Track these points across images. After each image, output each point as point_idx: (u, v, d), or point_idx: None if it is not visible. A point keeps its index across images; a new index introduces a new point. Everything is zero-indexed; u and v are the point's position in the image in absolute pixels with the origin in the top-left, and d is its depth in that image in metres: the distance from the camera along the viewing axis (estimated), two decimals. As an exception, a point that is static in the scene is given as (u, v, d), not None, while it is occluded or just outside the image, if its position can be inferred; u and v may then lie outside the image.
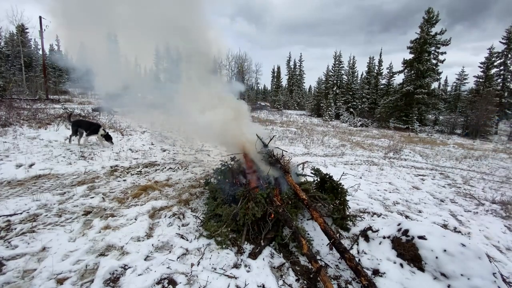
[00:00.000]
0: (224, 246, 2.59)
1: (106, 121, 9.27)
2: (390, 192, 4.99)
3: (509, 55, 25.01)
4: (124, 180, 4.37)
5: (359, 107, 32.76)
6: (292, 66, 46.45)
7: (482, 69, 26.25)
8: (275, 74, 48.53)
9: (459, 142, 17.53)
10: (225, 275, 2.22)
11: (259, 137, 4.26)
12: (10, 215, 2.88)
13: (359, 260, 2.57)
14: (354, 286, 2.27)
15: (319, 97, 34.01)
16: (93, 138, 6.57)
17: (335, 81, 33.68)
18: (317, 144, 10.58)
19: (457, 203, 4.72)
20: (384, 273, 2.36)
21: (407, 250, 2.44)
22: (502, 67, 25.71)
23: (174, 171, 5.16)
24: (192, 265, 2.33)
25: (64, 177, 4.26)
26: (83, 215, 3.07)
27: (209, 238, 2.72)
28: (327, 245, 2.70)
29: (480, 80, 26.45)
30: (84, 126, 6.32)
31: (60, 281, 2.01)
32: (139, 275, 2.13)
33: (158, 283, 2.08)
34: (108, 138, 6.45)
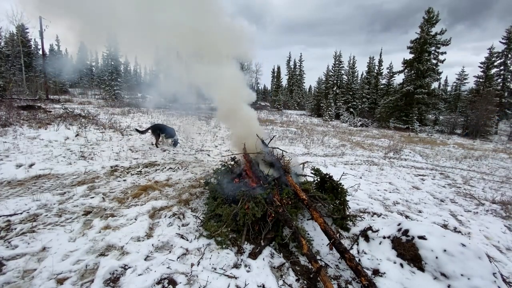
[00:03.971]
0: (224, 246, 2.59)
1: (106, 121, 9.27)
2: (390, 192, 4.99)
3: (509, 55, 25.00)
4: (124, 180, 4.37)
5: (359, 107, 32.76)
6: (292, 66, 46.48)
7: (482, 69, 26.25)
8: (275, 74, 48.54)
9: (459, 142, 17.52)
10: (225, 275, 2.22)
11: (259, 137, 4.26)
12: (10, 215, 2.88)
13: (359, 260, 2.57)
14: (354, 286, 2.27)
15: (319, 97, 34.00)
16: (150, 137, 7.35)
17: (335, 81, 33.67)
18: (317, 144, 10.58)
19: (457, 203, 4.72)
20: (384, 273, 2.36)
21: (407, 250, 2.44)
22: (502, 67, 25.70)
23: (174, 171, 5.16)
24: (192, 265, 2.33)
25: (64, 177, 4.26)
26: (83, 215, 3.07)
27: (209, 238, 2.72)
28: (327, 245, 2.70)
29: (480, 80, 26.45)
30: (162, 130, 7.09)
31: (60, 281, 2.01)
32: (139, 275, 2.13)
33: (158, 283, 2.08)
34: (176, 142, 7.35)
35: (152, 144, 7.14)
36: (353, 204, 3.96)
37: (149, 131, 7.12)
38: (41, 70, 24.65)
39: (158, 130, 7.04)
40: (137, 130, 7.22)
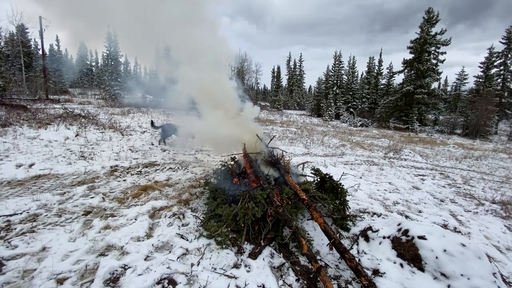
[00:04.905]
0: (224, 246, 2.59)
1: (106, 121, 9.27)
2: (390, 192, 4.99)
3: (509, 55, 24.98)
4: (124, 180, 4.37)
5: (359, 107, 32.76)
6: (292, 66, 46.44)
7: (482, 69, 26.24)
8: (275, 74, 48.50)
9: (459, 142, 17.52)
10: (225, 275, 2.22)
11: (259, 137, 4.26)
12: (10, 215, 2.88)
13: (359, 260, 2.57)
14: (354, 286, 2.27)
15: (319, 97, 33.99)
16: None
17: (335, 81, 33.65)
18: (317, 144, 10.58)
19: (457, 203, 4.72)
20: (384, 273, 2.36)
21: (407, 250, 2.44)
22: (502, 67, 25.68)
23: (174, 171, 5.16)
24: (192, 265, 2.33)
25: (64, 177, 4.26)
26: (83, 215, 3.07)
27: (209, 238, 2.72)
28: (327, 245, 2.70)
29: (480, 80, 26.44)
30: (173, 130, 7.40)
31: (60, 281, 2.01)
32: (139, 275, 2.13)
33: (158, 283, 2.08)
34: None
35: (152, 144, 7.14)
36: (353, 204, 3.96)
37: (160, 129, 7.46)
38: (41, 70, 24.63)
39: (169, 130, 7.30)
40: (152, 122, 7.57)
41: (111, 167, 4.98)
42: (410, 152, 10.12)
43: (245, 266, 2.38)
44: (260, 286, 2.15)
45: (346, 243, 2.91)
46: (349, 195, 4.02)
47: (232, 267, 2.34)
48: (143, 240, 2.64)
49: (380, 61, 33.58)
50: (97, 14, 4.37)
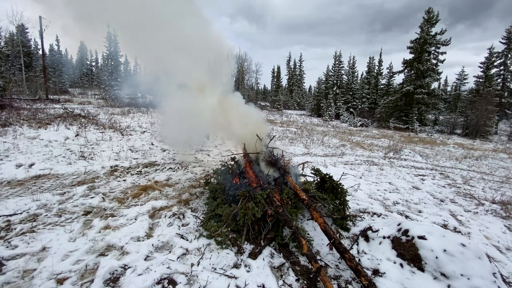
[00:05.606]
0: (224, 246, 2.59)
1: (106, 121, 9.27)
2: (390, 192, 4.99)
3: (509, 55, 24.96)
4: (124, 180, 4.37)
5: (359, 107, 32.74)
6: (292, 66, 46.42)
7: (482, 69, 26.22)
8: (275, 74, 48.48)
9: (459, 142, 17.52)
10: (225, 275, 2.22)
11: (259, 137, 4.26)
12: (10, 215, 2.88)
13: (359, 260, 2.57)
14: (354, 286, 2.27)
15: (319, 97, 33.98)
16: None
17: (335, 81, 33.63)
18: (317, 144, 10.58)
19: (457, 203, 4.72)
20: (384, 273, 2.36)
21: (407, 250, 2.44)
22: (502, 67, 25.65)
23: (174, 171, 5.17)
24: (192, 265, 2.33)
25: (64, 177, 4.26)
26: (83, 215, 3.07)
27: (209, 238, 2.72)
28: (327, 245, 2.70)
29: (480, 80, 26.42)
30: None
31: (60, 281, 2.01)
32: (139, 275, 2.13)
33: (158, 283, 2.08)
34: None
35: (152, 144, 7.13)
36: (353, 204, 3.96)
37: None
38: (41, 70, 24.63)
39: None
40: None
41: (111, 167, 4.99)
42: (410, 152, 10.12)
43: (245, 266, 2.38)
44: (260, 286, 2.15)
45: (346, 243, 2.91)
46: (349, 195, 4.02)
47: (232, 267, 2.34)
48: (143, 240, 2.64)
49: (380, 61, 33.56)
50: (92, 11, 4.35)
